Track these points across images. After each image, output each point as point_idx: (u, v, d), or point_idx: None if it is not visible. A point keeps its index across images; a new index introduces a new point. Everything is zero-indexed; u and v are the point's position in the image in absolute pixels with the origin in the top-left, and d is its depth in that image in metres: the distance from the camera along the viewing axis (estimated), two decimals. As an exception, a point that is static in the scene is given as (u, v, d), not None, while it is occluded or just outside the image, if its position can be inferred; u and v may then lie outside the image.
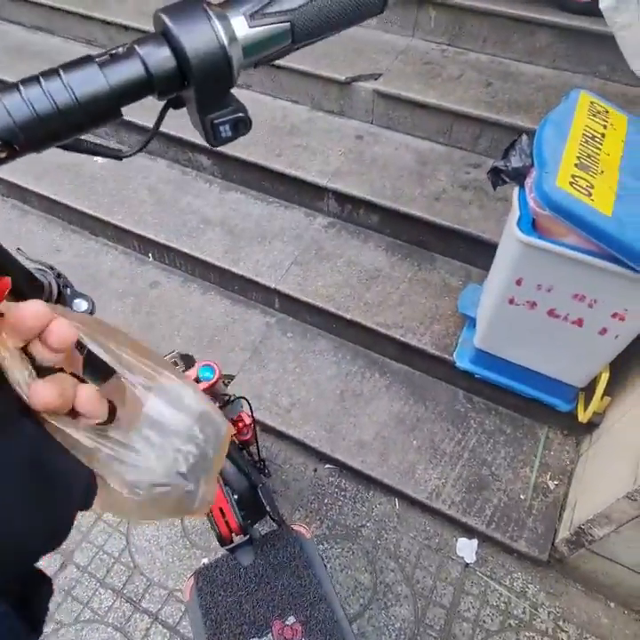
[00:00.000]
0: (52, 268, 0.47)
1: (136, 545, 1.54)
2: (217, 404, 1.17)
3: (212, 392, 1.09)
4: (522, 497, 1.49)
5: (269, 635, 1.07)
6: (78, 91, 0.32)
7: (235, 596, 1.12)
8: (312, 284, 1.76)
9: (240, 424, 1.28)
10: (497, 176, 1.17)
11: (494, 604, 1.43)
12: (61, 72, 0.32)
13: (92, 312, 0.48)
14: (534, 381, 1.45)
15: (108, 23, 2.32)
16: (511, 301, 1.25)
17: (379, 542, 1.52)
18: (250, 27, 0.35)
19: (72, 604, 1.44)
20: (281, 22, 0.36)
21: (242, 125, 0.38)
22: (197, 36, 0.33)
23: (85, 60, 0.33)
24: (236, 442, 1.30)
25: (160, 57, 0.34)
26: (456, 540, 1.52)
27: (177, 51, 0.33)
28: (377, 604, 1.44)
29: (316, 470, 1.65)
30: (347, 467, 1.59)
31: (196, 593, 1.13)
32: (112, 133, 2.25)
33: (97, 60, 0.33)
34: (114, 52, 0.35)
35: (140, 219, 1.96)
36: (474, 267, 1.77)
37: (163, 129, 1.68)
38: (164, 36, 0.34)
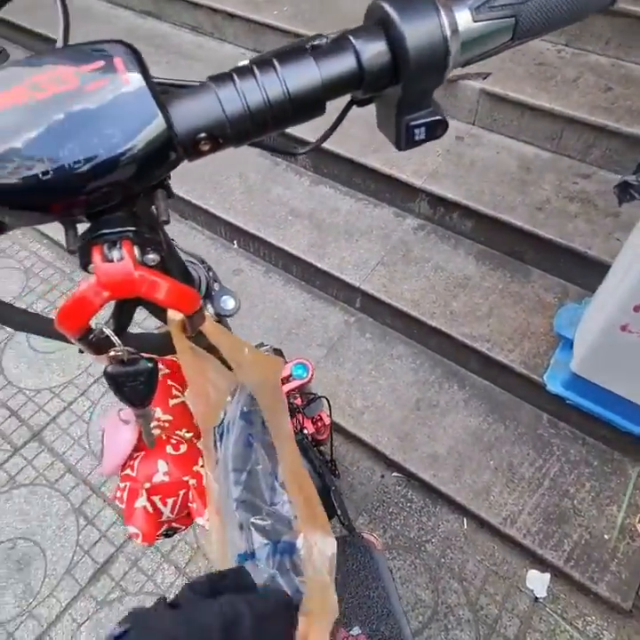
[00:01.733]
0: (203, 262, 0.46)
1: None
2: (301, 401, 1.16)
3: (302, 390, 1.08)
4: (606, 537, 1.39)
5: (333, 642, 1.05)
6: (291, 84, 0.30)
7: (301, 596, 1.11)
8: (397, 286, 1.71)
9: (319, 423, 1.26)
10: (625, 191, 1.07)
11: (563, 645, 1.34)
12: (276, 63, 0.30)
13: (237, 310, 0.46)
14: (634, 414, 1.34)
15: (215, 11, 2.36)
16: (624, 328, 1.15)
17: (443, 560, 1.47)
18: (474, 20, 0.31)
19: (137, 575, 1.49)
20: (506, 17, 0.32)
21: (439, 128, 0.35)
22: (421, 29, 0.30)
23: (300, 52, 0.30)
24: (312, 440, 1.29)
25: (375, 50, 0.31)
26: (527, 571, 1.44)
27: (395, 43, 0.30)
28: (437, 624, 1.39)
29: (383, 476, 1.61)
30: (416, 478, 1.54)
31: (262, 587, 1.12)
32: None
33: (310, 50, 0.31)
34: (320, 42, 0.32)
35: (231, 206, 1.98)
36: (572, 284, 1.66)
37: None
38: (382, 27, 0.31)
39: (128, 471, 0.58)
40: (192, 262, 0.46)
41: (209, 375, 0.36)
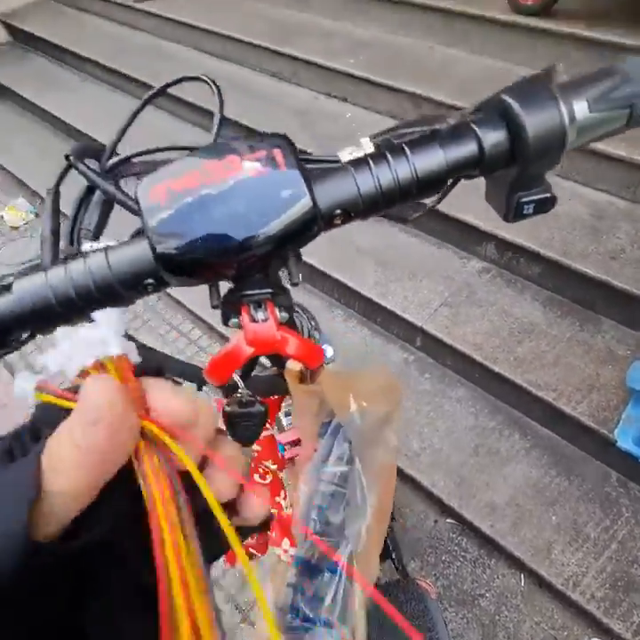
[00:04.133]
0: (305, 310, 0.50)
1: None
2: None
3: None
4: (680, 612, 1.29)
5: (384, 690, 1.03)
6: (419, 167, 0.33)
7: (352, 638, 1.10)
8: (460, 328, 1.70)
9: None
10: None
11: None
12: (407, 150, 0.33)
13: (333, 359, 0.49)
14: None
15: (295, 58, 2.51)
16: None
17: (497, 618, 1.41)
18: (590, 111, 0.34)
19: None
20: (622, 108, 0.34)
21: (548, 204, 0.37)
22: (541, 120, 0.33)
23: (428, 139, 0.34)
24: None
25: (496, 139, 0.34)
26: (589, 639, 1.35)
27: (515, 133, 0.33)
28: (489, 686, 1.32)
29: (436, 522, 1.58)
30: (472, 527, 1.50)
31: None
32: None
33: (433, 135, 0.34)
34: (441, 126, 0.36)
35: (298, 241, 2.06)
36: (647, 337, 1.59)
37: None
38: (503, 117, 0.34)
39: None
40: (296, 311, 0.50)
41: (314, 403, 0.39)
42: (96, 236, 0.44)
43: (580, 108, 0.34)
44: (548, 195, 0.37)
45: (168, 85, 0.44)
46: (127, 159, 0.44)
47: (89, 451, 0.17)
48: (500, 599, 1.43)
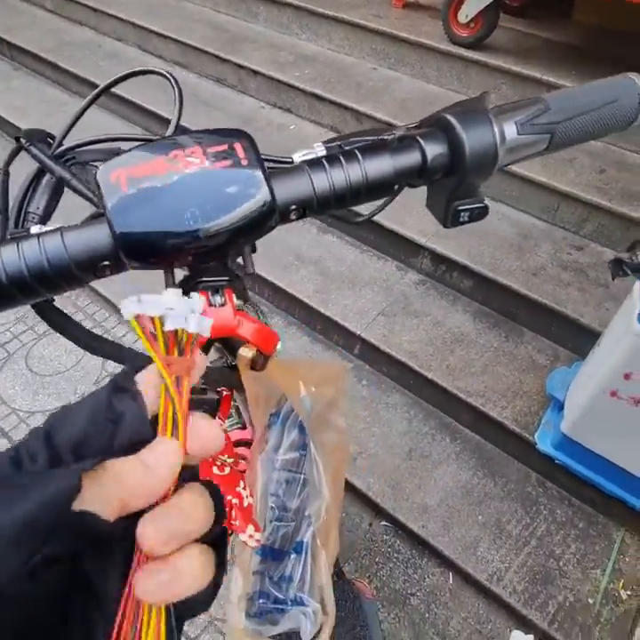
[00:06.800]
0: (253, 304, 0.51)
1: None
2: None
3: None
4: (589, 601, 1.40)
5: (317, 691, 1.04)
6: (370, 171, 0.36)
7: None
8: (397, 337, 1.77)
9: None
10: (618, 267, 1.16)
11: None
12: (360, 156, 0.36)
13: (280, 352, 0.51)
14: (620, 479, 1.38)
15: (240, 66, 2.52)
16: (613, 394, 1.21)
17: (427, 615, 1.46)
18: (518, 134, 0.38)
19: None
20: (543, 133, 0.39)
21: (481, 213, 0.42)
22: (477, 136, 0.37)
23: (379, 148, 0.37)
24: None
25: (437, 151, 0.38)
26: (510, 631, 1.43)
27: (455, 146, 0.37)
28: (418, 682, 1.37)
29: (371, 525, 1.62)
30: (405, 528, 1.55)
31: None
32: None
33: (386, 144, 0.38)
34: (389, 136, 0.39)
35: (241, 247, 2.06)
36: (563, 348, 1.73)
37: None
38: (445, 132, 0.38)
39: None
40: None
41: (263, 393, 0.41)
42: (43, 221, 0.43)
43: (510, 131, 0.38)
44: (482, 204, 0.41)
45: (125, 77, 0.44)
46: (79, 146, 0.44)
47: (150, 483, 0.21)
48: (429, 597, 1.49)
